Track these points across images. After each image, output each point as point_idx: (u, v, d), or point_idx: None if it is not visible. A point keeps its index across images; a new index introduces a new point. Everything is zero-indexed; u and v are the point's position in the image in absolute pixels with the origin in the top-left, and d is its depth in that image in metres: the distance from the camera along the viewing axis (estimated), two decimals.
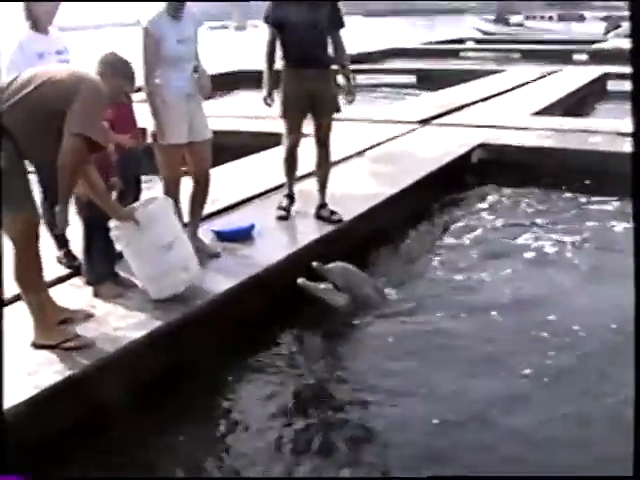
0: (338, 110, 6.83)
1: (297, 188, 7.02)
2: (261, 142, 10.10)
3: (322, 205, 6.98)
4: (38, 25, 5.52)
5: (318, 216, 6.96)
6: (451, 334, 5.38)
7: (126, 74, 4.85)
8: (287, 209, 6.93)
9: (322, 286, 5.74)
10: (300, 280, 5.71)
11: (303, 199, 7.00)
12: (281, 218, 6.85)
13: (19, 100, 4.29)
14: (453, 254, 7.02)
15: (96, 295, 5.27)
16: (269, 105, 6.65)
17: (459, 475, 4.46)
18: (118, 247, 5.19)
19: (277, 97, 6.69)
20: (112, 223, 5.01)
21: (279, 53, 6.69)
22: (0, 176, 4.14)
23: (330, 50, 6.76)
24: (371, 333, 5.53)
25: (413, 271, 6.64)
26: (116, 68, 4.77)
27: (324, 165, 6.97)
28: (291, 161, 6.90)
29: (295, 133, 6.73)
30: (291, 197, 7.03)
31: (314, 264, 5.72)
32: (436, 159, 9.23)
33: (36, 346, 4.52)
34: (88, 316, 4.94)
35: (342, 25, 6.78)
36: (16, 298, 4.77)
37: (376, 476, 4.43)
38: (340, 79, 6.87)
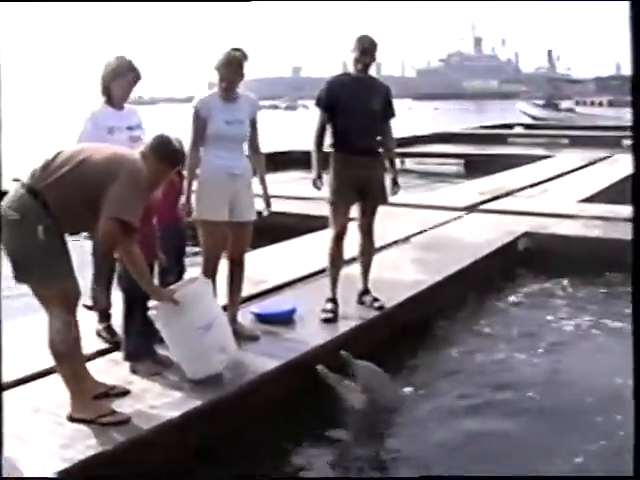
0: (385, 201, 6.82)
1: (340, 273, 6.89)
2: (307, 224, 10.24)
3: (365, 291, 6.96)
4: (112, 100, 5.63)
5: (360, 302, 6.94)
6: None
7: (173, 161, 4.81)
8: (334, 311, 6.63)
9: (345, 382, 5.51)
10: (320, 367, 5.54)
11: (346, 284, 6.91)
12: (327, 320, 6.53)
13: (60, 176, 4.38)
14: (491, 344, 6.86)
15: (134, 372, 5.29)
16: (318, 188, 6.59)
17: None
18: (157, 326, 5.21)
19: (325, 179, 6.67)
20: (151, 303, 5.03)
21: (329, 137, 6.69)
22: (38, 250, 4.27)
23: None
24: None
25: (444, 365, 6.45)
26: (162, 153, 4.71)
27: (368, 251, 6.96)
28: (336, 254, 6.74)
29: (342, 219, 6.66)
30: (335, 301, 6.74)
31: (343, 353, 5.56)
32: (481, 247, 9.22)
33: (72, 419, 4.52)
34: (124, 392, 4.94)
35: (393, 115, 6.83)
36: (54, 369, 4.80)
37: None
38: (385, 163, 6.88)
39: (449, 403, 5.64)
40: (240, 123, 5.89)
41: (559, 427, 5.25)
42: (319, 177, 6.59)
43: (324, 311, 6.62)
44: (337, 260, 6.77)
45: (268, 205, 6.18)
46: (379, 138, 6.78)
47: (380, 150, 6.81)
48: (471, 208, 12.09)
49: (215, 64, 5.78)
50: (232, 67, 5.74)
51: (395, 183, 6.83)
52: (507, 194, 13.54)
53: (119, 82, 5.54)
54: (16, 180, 4.48)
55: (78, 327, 4.55)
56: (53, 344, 4.48)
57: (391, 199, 6.92)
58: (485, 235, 9.90)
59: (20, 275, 4.40)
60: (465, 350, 6.72)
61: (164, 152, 4.73)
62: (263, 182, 6.19)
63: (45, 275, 4.36)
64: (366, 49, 6.49)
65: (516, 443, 5.09)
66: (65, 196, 4.36)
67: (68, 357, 4.53)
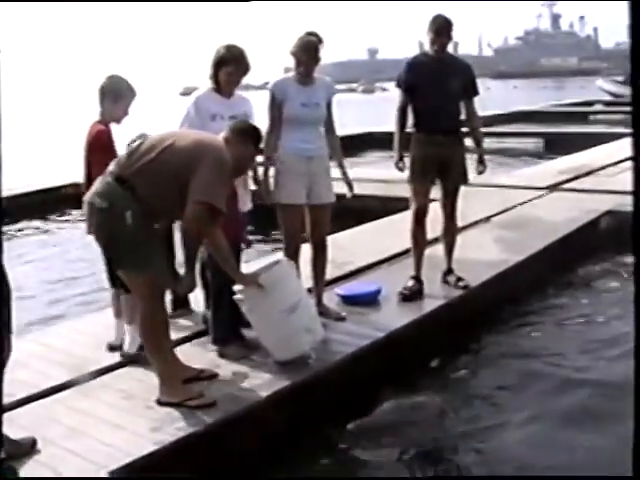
0: (466, 181, 6.79)
1: (425, 253, 6.86)
2: (390, 206, 10.24)
3: (449, 270, 6.95)
4: (219, 87, 5.61)
5: (445, 282, 6.94)
6: None
7: (255, 142, 4.82)
8: (413, 290, 6.64)
9: None
10: None
11: (430, 264, 6.89)
12: (406, 298, 6.56)
13: (146, 163, 4.41)
14: (575, 330, 6.73)
15: (222, 355, 5.35)
16: (401, 170, 6.61)
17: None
18: (242, 310, 5.23)
19: (407, 161, 6.65)
20: (236, 287, 5.08)
21: (410, 118, 6.65)
22: (127, 236, 4.32)
23: (462, 116, 6.75)
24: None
25: (519, 351, 6.32)
26: (245, 136, 4.74)
27: (451, 231, 6.93)
28: (418, 234, 6.73)
29: (422, 198, 6.64)
30: (418, 279, 6.78)
31: None
32: (563, 226, 9.10)
33: (160, 403, 4.58)
34: (213, 375, 5.00)
35: (476, 93, 6.79)
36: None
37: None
38: (470, 143, 6.85)
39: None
40: (316, 106, 5.88)
41: None
42: (401, 159, 6.60)
43: (406, 288, 6.64)
44: (419, 240, 6.76)
45: (350, 188, 6.17)
46: (462, 117, 6.74)
47: (462, 129, 6.76)
48: (552, 187, 11.94)
49: (291, 49, 5.80)
50: (308, 52, 5.74)
51: (481, 162, 6.78)
52: (589, 173, 13.30)
53: (225, 70, 5.51)
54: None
55: (166, 312, 4.65)
56: (141, 329, 4.59)
57: (472, 179, 6.89)
58: (567, 214, 9.75)
59: (112, 262, 4.50)
60: (545, 333, 6.65)
61: (247, 135, 4.76)
62: (341, 165, 6.20)
63: (133, 261, 4.41)
64: (441, 29, 6.44)
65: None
66: (151, 183, 4.39)
67: (155, 342, 4.61)
